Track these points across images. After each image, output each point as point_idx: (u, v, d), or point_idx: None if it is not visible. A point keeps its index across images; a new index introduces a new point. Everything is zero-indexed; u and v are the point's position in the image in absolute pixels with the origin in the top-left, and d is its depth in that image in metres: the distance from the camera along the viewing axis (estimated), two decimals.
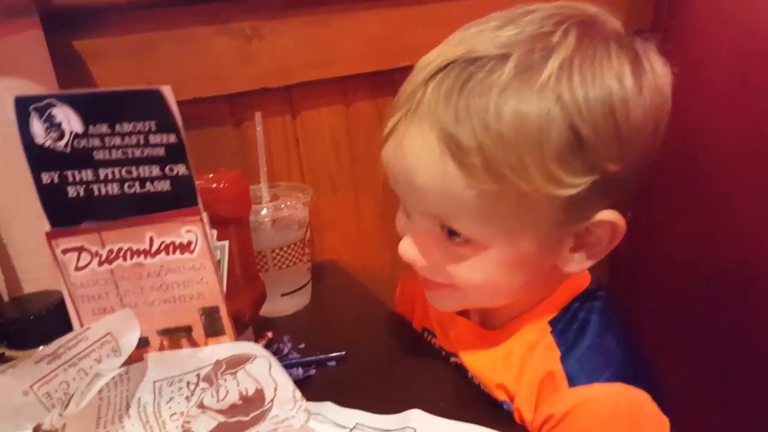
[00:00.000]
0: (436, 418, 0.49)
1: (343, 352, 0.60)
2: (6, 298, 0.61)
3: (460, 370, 0.58)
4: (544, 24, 0.45)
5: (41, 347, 0.47)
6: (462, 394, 0.55)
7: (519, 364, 0.51)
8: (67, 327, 0.48)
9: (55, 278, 0.46)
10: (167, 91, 0.41)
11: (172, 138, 0.43)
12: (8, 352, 0.53)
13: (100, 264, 0.46)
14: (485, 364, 0.54)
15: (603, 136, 0.43)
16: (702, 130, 0.74)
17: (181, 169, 0.44)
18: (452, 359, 0.59)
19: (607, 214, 0.47)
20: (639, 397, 0.47)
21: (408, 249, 0.51)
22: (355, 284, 0.78)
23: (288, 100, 0.78)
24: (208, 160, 0.74)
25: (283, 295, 0.70)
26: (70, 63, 0.64)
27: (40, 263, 0.59)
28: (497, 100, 0.42)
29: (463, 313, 0.59)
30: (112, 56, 0.66)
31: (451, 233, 0.48)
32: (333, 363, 0.59)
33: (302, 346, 0.63)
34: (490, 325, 0.56)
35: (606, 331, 0.50)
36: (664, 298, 0.81)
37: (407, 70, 0.80)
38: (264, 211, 0.67)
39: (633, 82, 0.44)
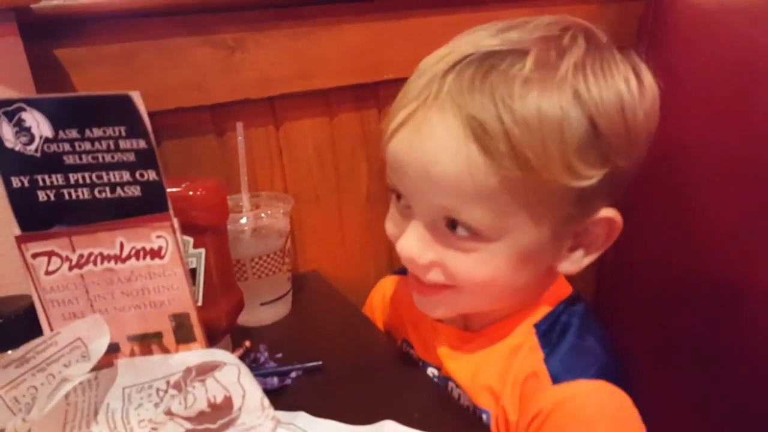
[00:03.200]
0: (409, 430, 0.49)
1: (320, 362, 0.60)
2: None
3: (438, 381, 0.58)
4: (551, 29, 0.47)
5: (9, 351, 0.47)
6: (438, 406, 0.54)
7: (504, 364, 0.51)
8: (37, 332, 0.47)
9: (26, 283, 0.46)
10: (136, 97, 0.41)
11: (142, 143, 0.43)
12: None
13: (71, 269, 0.46)
14: (471, 367, 0.54)
15: (615, 132, 0.45)
16: (684, 142, 0.75)
17: (151, 175, 0.44)
18: (429, 370, 0.59)
19: (609, 211, 0.48)
20: (623, 398, 0.47)
21: (409, 245, 0.50)
22: (337, 295, 0.78)
23: (271, 111, 0.78)
24: (190, 170, 0.74)
25: (262, 304, 0.69)
26: (50, 71, 0.64)
27: (13, 268, 0.58)
28: (521, 89, 0.43)
29: (444, 321, 0.58)
30: (93, 65, 0.66)
31: (455, 227, 0.48)
32: (301, 373, 0.59)
33: (280, 355, 0.62)
34: (473, 328, 0.56)
35: (587, 333, 0.51)
36: (648, 310, 0.81)
37: (391, 83, 0.83)
38: (244, 220, 0.67)
39: (637, 86, 0.46)
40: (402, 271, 0.69)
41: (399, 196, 0.52)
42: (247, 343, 0.63)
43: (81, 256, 0.46)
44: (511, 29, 0.47)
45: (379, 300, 0.70)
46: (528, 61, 0.44)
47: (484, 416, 0.52)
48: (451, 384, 0.56)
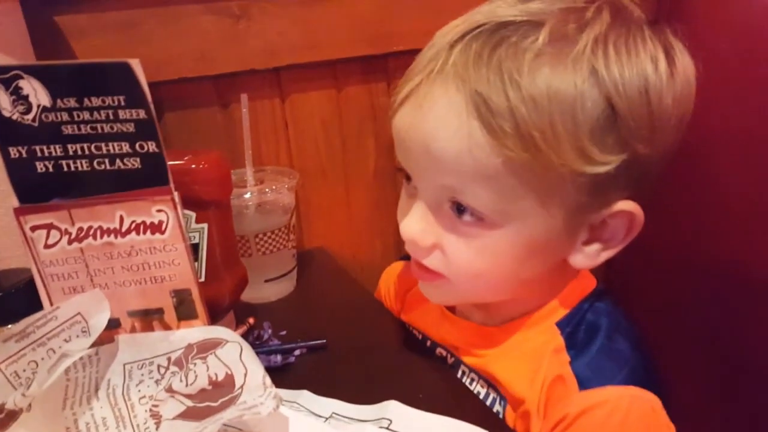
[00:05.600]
0: (413, 410, 0.48)
1: (324, 340, 0.59)
2: None
3: (445, 362, 0.57)
4: (577, 0, 0.44)
5: (9, 326, 0.46)
6: (444, 388, 0.53)
7: (528, 367, 0.49)
8: (37, 306, 0.47)
9: (26, 256, 0.45)
10: (135, 65, 0.40)
11: (142, 113, 0.41)
12: None
13: (70, 242, 0.45)
14: (488, 362, 0.52)
15: (636, 115, 0.42)
16: (704, 126, 0.72)
17: (151, 146, 0.42)
18: (438, 350, 0.58)
19: (627, 204, 0.45)
20: (652, 402, 0.45)
21: (412, 226, 0.48)
22: (342, 273, 0.77)
23: (277, 83, 0.76)
24: (192, 143, 0.73)
25: (266, 281, 0.68)
26: (50, 39, 0.62)
27: (14, 240, 0.57)
28: (531, 64, 0.41)
29: (464, 315, 0.56)
30: (94, 33, 0.65)
31: (461, 210, 0.46)
32: (305, 351, 0.58)
33: (283, 333, 0.62)
34: (491, 323, 0.54)
35: (616, 334, 0.48)
36: (661, 301, 0.79)
37: (401, 54, 0.80)
38: (248, 195, 0.66)
39: (666, 67, 0.43)
40: (408, 256, 0.67)
41: (407, 176, 0.50)
42: (251, 320, 0.62)
43: (80, 229, 0.45)
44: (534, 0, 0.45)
45: (389, 285, 0.68)
46: (542, 34, 0.41)
47: (498, 404, 0.51)
48: (463, 368, 0.54)
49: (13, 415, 0.41)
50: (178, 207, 0.44)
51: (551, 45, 0.41)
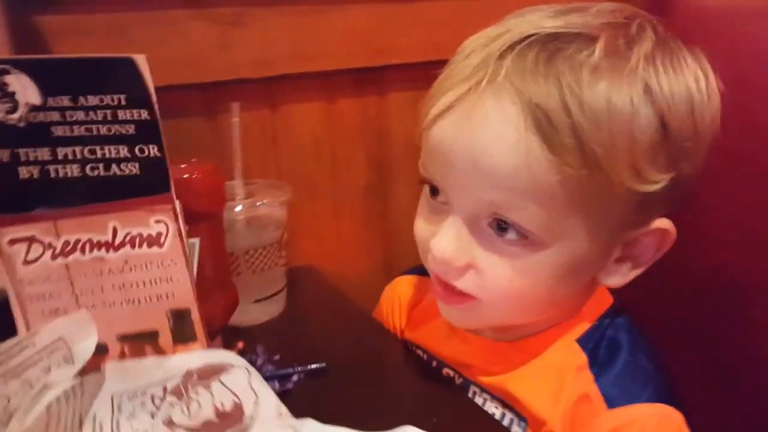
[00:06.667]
0: None
1: (323, 364, 0.55)
2: None
3: (453, 382, 0.54)
4: (616, 16, 0.43)
5: None
6: (458, 409, 0.50)
7: (550, 385, 0.47)
8: (10, 331, 0.41)
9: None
10: (141, 61, 0.36)
11: (145, 114, 0.38)
12: None
13: (54, 257, 0.40)
14: (504, 381, 0.49)
15: (685, 134, 0.41)
16: None
17: (153, 150, 0.39)
18: (444, 371, 0.55)
19: (664, 222, 0.44)
20: (678, 420, 0.44)
21: (446, 245, 0.44)
22: (334, 291, 0.73)
23: (267, 93, 0.73)
24: (178, 153, 0.68)
25: (255, 301, 0.64)
26: (29, 41, 0.57)
27: None
28: (589, 78, 0.39)
29: (474, 330, 0.53)
30: (77, 35, 0.60)
31: (502, 228, 0.43)
32: (303, 376, 0.54)
33: (277, 357, 0.57)
34: (506, 339, 0.51)
35: (638, 351, 0.47)
36: (654, 309, 0.78)
37: (394, 68, 0.78)
38: (238, 208, 0.62)
39: (705, 85, 0.42)
40: (415, 271, 0.64)
41: (434, 191, 0.47)
42: (240, 345, 0.57)
43: (66, 243, 0.40)
44: (572, 12, 0.43)
45: (393, 301, 0.64)
46: (597, 48, 0.40)
47: (517, 426, 0.48)
48: (473, 388, 0.52)
49: None
50: (180, 217, 0.40)
51: (606, 59, 0.40)
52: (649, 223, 0.44)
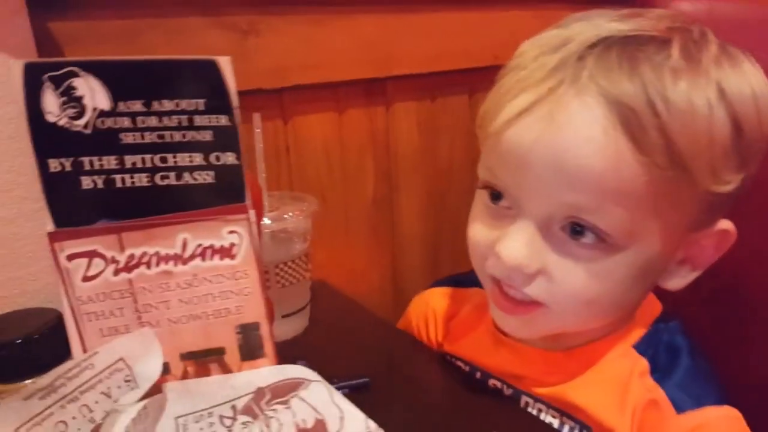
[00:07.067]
0: None
1: (366, 379, 0.54)
2: None
3: (502, 394, 0.53)
4: (675, 21, 0.44)
5: (32, 379, 0.38)
6: (515, 422, 0.49)
7: (614, 393, 0.46)
8: (66, 353, 0.39)
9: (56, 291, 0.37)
10: (225, 64, 0.35)
11: (224, 120, 0.36)
12: None
13: (116, 273, 0.38)
14: (563, 392, 0.49)
15: (754, 135, 0.42)
16: None
17: (230, 158, 0.37)
18: (491, 382, 0.54)
19: (726, 223, 0.45)
20: (742, 420, 0.44)
21: (518, 251, 0.43)
22: (352, 304, 0.72)
23: (279, 104, 0.71)
24: None
25: (283, 316, 0.62)
26: (43, 47, 0.54)
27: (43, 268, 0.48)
28: (671, 79, 0.39)
29: (521, 340, 0.53)
30: (91, 42, 0.57)
31: (577, 231, 0.42)
32: (347, 392, 0.53)
33: None
34: (560, 348, 0.51)
35: (696, 353, 0.48)
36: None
37: (401, 78, 0.78)
38: (266, 221, 0.60)
39: (766, 85, 0.44)
40: (445, 283, 0.63)
41: (496, 196, 0.46)
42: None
43: (131, 256, 0.38)
44: (635, 17, 0.44)
45: (427, 314, 0.63)
46: (674, 50, 0.41)
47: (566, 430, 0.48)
48: (525, 398, 0.51)
49: None
50: (254, 226, 0.38)
51: (684, 61, 0.41)
52: (714, 223, 0.45)
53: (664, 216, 0.42)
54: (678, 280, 0.47)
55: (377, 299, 0.81)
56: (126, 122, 0.35)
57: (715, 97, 0.41)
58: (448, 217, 0.88)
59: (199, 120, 0.36)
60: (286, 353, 0.58)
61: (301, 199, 0.65)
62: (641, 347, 0.48)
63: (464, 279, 0.61)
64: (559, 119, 0.41)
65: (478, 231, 0.48)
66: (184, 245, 0.38)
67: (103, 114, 0.35)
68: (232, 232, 0.38)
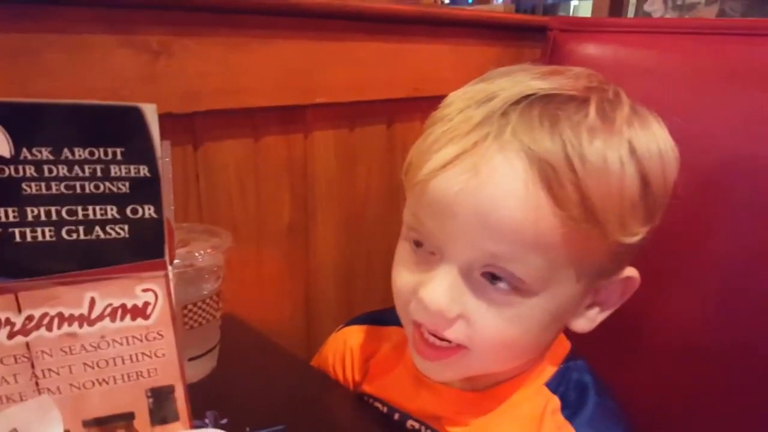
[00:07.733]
0: None
1: (282, 426, 0.52)
2: None
3: None
4: (592, 81, 0.46)
5: None
6: None
7: (529, 431, 0.48)
8: None
9: None
10: (150, 112, 0.32)
11: (145, 170, 0.33)
12: None
13: (11, 336, 0.34)
14: (483, 431, 0.49)
15: (659, 189, 0.45)
16: None
17: (148, 211, 0.34)
18: (409, 423, 0.54)
19: (632, 270, 0.47)
20: None
21: (441, 296, 0.44)
22: (263, 341, 0.69)
23: (191, 129, 0.68)
24: None
25: (190, 359, 0.58)
26: None
27: None
28: (588, 137, 0.41)
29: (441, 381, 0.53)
30: None
31: (495, 277, 0.44)
32: None
33: (224, 421, 0.52)
34: (476, 388, 0.52)
35: (603, 391, 0.50)
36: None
37: (319, 106, 0.77)
38: (176, 261, 0.56)
39: (671, 145, 0.46)
40: (360, 320, 0.62)
41: (418, 244, 0.47)
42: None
43: (29, 318, 0.34)
44: (554, 75, 0.45)
45: (345, 353, 0.62)
46: (591, 109, 0.43)
47: None
48: None
49: None
50: (171, 285, 0.36)
51: (599, 120, 0.42)
52: (621, 271, 0.47)
53: (576, 264, 0.44)
54: (585, 322, 0.49)
55: (289, 330, 0.79)
56: (30, 171, 0.32)
57: (626, 155, 0.43)
58: (364, 245, 0.87)
59: (115, 170, 0.33)
60: (194, 400, 0.54)
61: (212, 232, 0.61)
62: (552, 385, 0.50)
63: (382, 317, 0.61)
64: (483, 172, 0.42)
65: (402, 276, 0.48)
66: (92, 305, 0.34)
67: (2, 161, 0.31)
68: (146, 290, 0.35)
